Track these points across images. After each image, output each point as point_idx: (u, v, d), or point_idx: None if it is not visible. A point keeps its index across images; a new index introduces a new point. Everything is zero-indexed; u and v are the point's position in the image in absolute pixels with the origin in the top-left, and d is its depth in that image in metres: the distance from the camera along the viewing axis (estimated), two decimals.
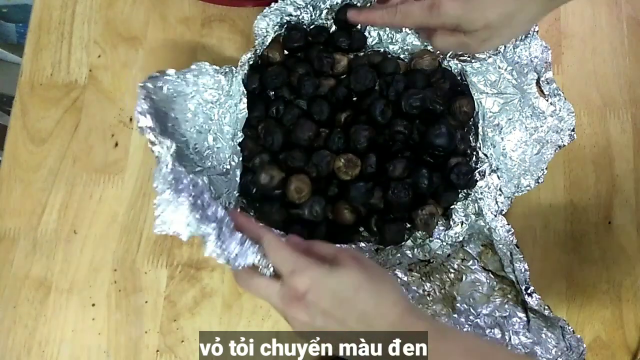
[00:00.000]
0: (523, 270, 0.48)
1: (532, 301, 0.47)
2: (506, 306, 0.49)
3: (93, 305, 0.51)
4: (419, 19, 0.42)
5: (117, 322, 0.51)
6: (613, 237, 0.54)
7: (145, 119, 0.43)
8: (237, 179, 0.49)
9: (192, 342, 0.50)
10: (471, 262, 0.51)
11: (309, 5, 0.53)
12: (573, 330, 0.47)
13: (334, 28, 0.55)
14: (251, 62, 0.50)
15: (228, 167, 0.50)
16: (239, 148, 0.49)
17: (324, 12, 0.54)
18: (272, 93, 0.54)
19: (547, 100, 0.52)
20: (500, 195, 0.50)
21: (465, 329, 0.48)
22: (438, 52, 0.55)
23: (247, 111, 0.49)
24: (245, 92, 0.49)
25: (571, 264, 0.53)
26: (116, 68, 0.56)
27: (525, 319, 0.49)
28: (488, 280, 0.51)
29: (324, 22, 0.55)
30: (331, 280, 0.37)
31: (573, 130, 0.51)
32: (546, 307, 0.47)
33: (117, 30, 0.57)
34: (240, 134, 0.49)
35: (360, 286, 0.36)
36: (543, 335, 0.48)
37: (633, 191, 0.55)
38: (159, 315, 0.51)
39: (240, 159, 0.49)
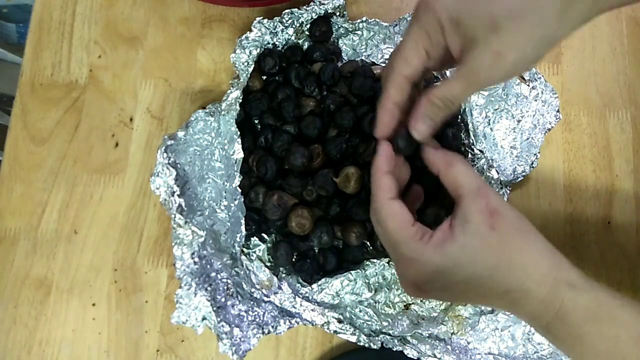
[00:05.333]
0: None
1: None
2: None
3: (93, 305, 0.51)
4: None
5: (118, 322, 0.51)
6: (613, 237, 0.54)
7: (174, 199, 0.44)
8: (242, 221, 0.47)
9: (192, 342, 0.50)
10: None
11: (288, 28, 0.52)
12: None
13: (306, 45, 0.55)
14: (240, 100, 0.49)
15: (224, 208, 0.49)
16: (239, 190, 0.47)
17: (297, 30, 0.53)
18: (256, 121, 0.53)
19: (529, 85, 0.53)
20: (501, 188, 0.51)
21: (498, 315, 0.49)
22: None
23: (242, 153, 0.47)
24: (239, 132, 0.47)
25: None
26: (116, 68, 0.56)
27: None
28: None
29: (296, 41, 0.54)
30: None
31: (558, 110, 0.52)
32: None
33: (118, 31, 0.57)
34: (237, 174, 0.47)
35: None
36: None
37: (633, 191, 0.55)
38: (159, 315, 0.51)
39: (242, 199, 0.47)
